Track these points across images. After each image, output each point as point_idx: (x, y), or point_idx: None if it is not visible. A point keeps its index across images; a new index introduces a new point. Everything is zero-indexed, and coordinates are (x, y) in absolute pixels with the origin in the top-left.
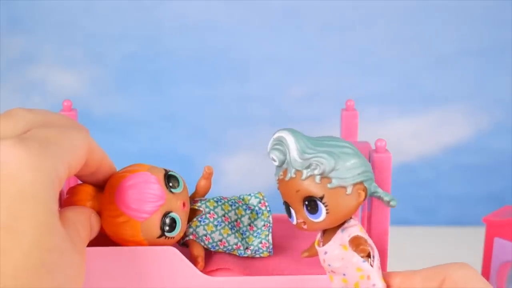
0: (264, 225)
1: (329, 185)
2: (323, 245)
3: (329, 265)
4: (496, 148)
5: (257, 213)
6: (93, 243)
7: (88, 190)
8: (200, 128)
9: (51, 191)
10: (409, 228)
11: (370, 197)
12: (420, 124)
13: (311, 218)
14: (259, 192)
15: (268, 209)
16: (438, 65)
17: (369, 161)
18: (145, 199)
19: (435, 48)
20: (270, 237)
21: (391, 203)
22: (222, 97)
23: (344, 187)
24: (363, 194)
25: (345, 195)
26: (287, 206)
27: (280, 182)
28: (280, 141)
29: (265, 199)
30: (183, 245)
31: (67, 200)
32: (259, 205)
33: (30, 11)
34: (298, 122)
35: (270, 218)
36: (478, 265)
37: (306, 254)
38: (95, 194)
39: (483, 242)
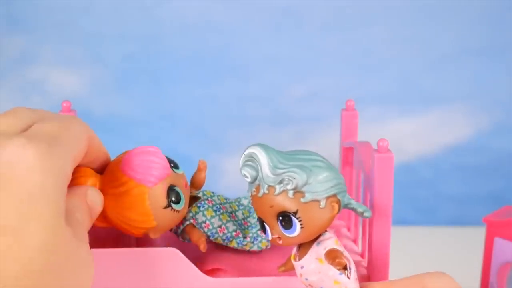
0: (257, 221)
1: (302, 200)
2: (299, 260)
3: (306, 279)
4: (496, 148)
5: (249, 211)
6: (94, 244)
7: (87, 171)
8: (200, 128)
9: (61, 192)
10: (409, 228)
11: (344, 209)
12: (420, 124)
13: (286, 233)
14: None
15: None
16: (438, 65)
17: (371, 161)
18: (153, 165)
19: (435, 48)
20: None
21: (365, 214)
22: (222, 97)
23: (318, 201)
24: (336, 206)
25: (319, 209)
26: (262, 222)
27: (254, 198)
28: (252, 157)
29: None
30: (182, 233)
31: None
32: (250, 204)
33: (30, 11)
34: (298, 122)
35: None
36: (478, 265)
37: (282, 268)
38: (95, 174)
39: (483, 242)
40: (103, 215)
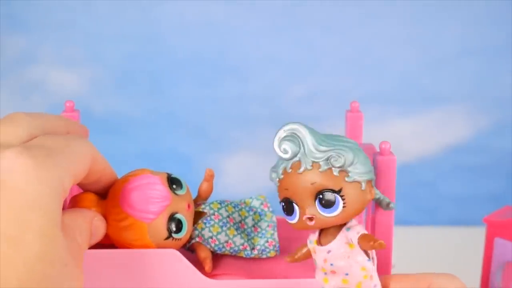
0: (268, 225)
1: (347, 179)
2: (322, 245)
3: (332, 264)
4: (496, 148)
5: (260, 215)
6: (94, 246)
7: (91, 197)
8: (200, 128)
9: (57, 203)
10: (409, 228)
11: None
12: (420, 124)
13: (324, 213)
14: (260, 195)
15: (270, 209)
16: (438, 65)
17: (374, 163)
18: (151, 200)
19: (435, 48)
20: (276, 235)
21: (390, 205)
22: (222, 97)
23: (360, 182)
24: (373, 191)
25: (361, 190)
26: (290, 203)
27: (288, 176)
28: (293, 133)
29: (267, 200)
30: (189, 249)
31: (70, 208)
32: (262, 206)
33: (30, 10)
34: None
35: (274, 218)
36: (478, 265)
37: (290, 258)
38: (98, 201)
39: (483, 242)
40: (105, 236)
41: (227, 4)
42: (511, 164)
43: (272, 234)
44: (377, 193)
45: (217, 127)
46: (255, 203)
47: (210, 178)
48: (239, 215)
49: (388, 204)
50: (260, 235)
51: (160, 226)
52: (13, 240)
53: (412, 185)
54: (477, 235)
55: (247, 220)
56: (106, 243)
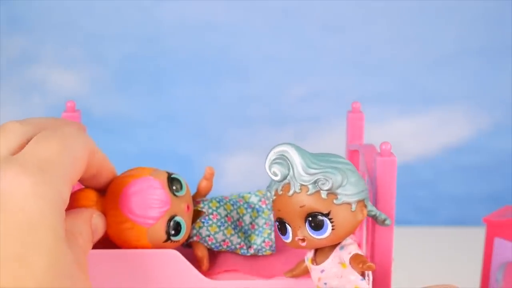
0: (265, 223)
1: (335, 201)
2: (317, 264)
3: (325, 283)
4: (496, 148)
5: (257, 211)
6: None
7: (90, 195)
8: (200, 128)
9: (58, 216)
10: (409, 228)
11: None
12: (420, 124)
13: (314, 235)
14: (258, 190)
15: (268, 207)
16: (438, 65)
17: (374, 164)
18: (150, 205)
19: (435, 48)
20: (272, 235)
21: (386, 222)
22: (222, 97)
23: (350, 204)
24: (365, 211)
25: (350, 212)
26: (283, 223)
27: (279, 197)
28: (283, 155)
29: (265, 197)
30: (187, 246)
31: (69, 206)
32: (260, 203)
33: (30, 11)
34: (298, 122)
35: (271, 216)
36: (478, 265)
37: (290, 274)
38: (97, 199)
39: (483, 242)
40: (105, 236)
41: (227, 4)
42: (511, 164)
43: (269, 234)
44: (373, 210)
45: (217, 127)
46: (254, 199)
47: (210, 176)
48: (237, 213)
49: (383, 221)
50: (257, 232)
51: (159, 230)
52: (20, 259)
53: (412, 185)
54: (477, 235)
55: (244, 218)
56: (106, 236)
